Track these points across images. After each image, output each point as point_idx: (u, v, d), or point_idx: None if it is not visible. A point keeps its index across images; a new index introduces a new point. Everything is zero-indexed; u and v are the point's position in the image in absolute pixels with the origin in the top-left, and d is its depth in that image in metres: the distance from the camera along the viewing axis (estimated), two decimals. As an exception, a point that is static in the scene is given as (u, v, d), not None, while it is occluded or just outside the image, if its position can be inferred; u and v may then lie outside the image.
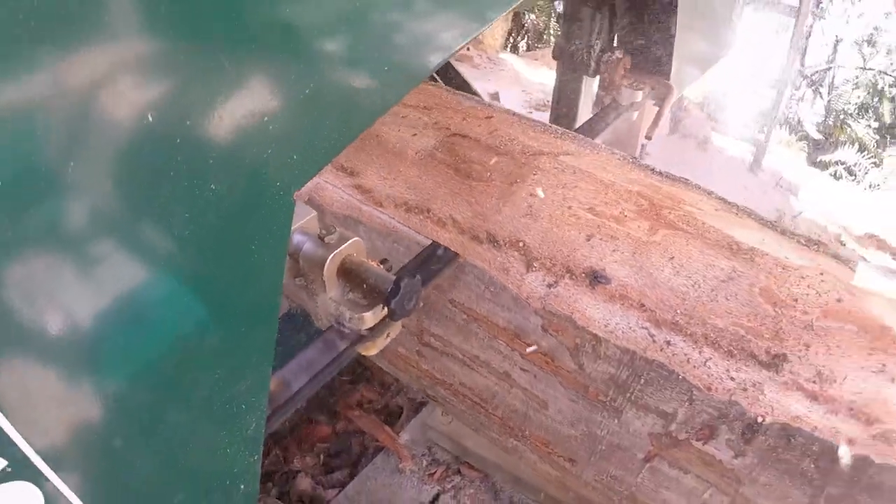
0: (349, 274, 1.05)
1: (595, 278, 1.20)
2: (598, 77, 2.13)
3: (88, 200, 0.55)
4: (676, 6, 1.88)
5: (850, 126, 5.27)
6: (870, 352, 1.18)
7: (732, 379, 1.12)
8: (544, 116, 2.36)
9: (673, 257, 1.21)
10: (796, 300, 1.19)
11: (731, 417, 1.11)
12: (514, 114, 1.57)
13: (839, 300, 1.22)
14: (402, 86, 0.84)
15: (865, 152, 4.91)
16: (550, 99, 4.15)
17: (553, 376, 1.23)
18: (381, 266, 1.09)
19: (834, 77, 5.95)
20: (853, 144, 4.98)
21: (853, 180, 4.91)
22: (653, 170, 1.41)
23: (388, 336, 1.15)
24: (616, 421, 1.20)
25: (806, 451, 1.11)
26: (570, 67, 2.18)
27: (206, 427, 0.79)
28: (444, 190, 1.38)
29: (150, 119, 0.54)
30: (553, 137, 1.46)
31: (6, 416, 0.56)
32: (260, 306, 0.78)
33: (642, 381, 1.14)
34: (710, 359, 1.13)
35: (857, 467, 1.11)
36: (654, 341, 1.14)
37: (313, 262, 1.03)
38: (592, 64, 2.08)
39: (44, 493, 0.62)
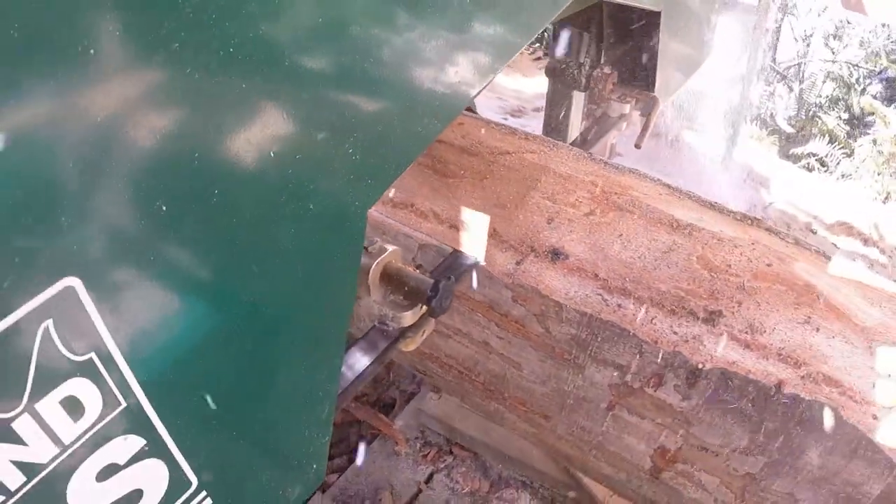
0: (391, 279, 1.18)
1: (555, 255, 1.38)
2: (587, 91, 2.25)
3: (232, 220, 0.67)
4: (659, 23, 1.98)
5: (821, 119, 5.49)
6: (796, 306, 1.37)
7: (675, 333, 1.30)
8: (518, 122, 2.55)
9: (621, 234, 1.40)
10: (729, 266, 1.38)
11: (676, 366, 1.29)
12: (482, 119, 1.76)
13: (769, 265, 1.41)
14: (449, 114, 0.91)
15: (836, 143, 5.12)
16: (525, 105, 4.36)
17: (524, 340, 1.41)
18: (418, 271, 1.23)
19: (804, 71, 6.19)
20: (824, 136, 5.19)
21: (826, 171, 5.12)
22: (605, 162, 1.60)
23: (424, 333, 1.28)
24: (580, 376, 1.38)
25: (743, 392, 1.29)
26: (561, 83, 2.29)
27: (293, 411, 0.91)
28: (426, 188, 1.57)
29: (273, 154, 0.67)
30: (517, 139, 1.65)
31: (149, 401, 0.67)
32: (339, 306, 0.89)
33: (599, 339, 1.33)
34: (656, 317, 1.32)
35: (790, 404, 1.29)
36: (607, 305, 1.33)
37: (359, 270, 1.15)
38: (582, 80, 2.17)
39: (169, 470, 0.73)
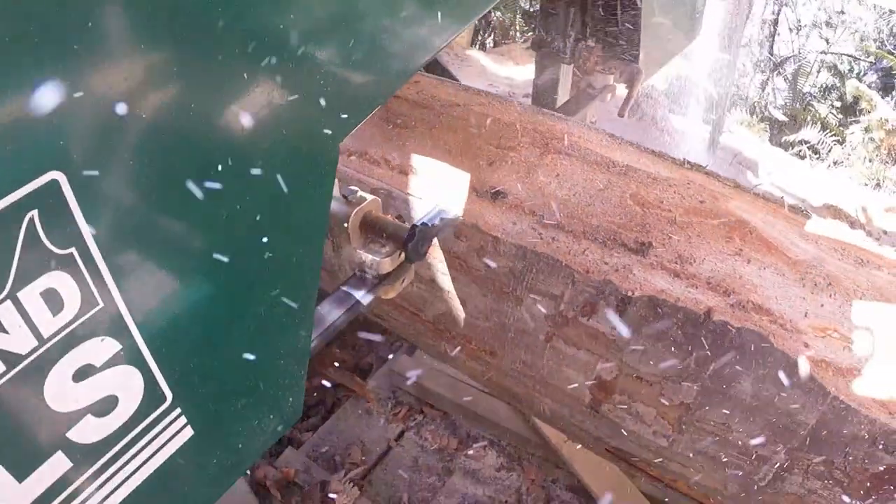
0: (370, 226, 1.23)
1: (495, 195, 1.44)
2: (573, 64, 2.32)
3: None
4: (641, 2, 2.03)
5: (813, 107, 5.51)
6: (727, 239, 1.42)
7: (606, 263, 1.35)
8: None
9: (558, 175, 1.46)
10: (662, 202, 1.43)
11: (607, 293, 1.34)
12: (437, 79, 1.83)
13: (702, 202, 1.46)
14: (421, 55, 0.97)
15: (828, 131, 5.13)
16: (515, 91, 4.42)
17: (466, 275, 1.46)
18: (397, 220, 1.28)
19: (800, 60, 6.22)
20: (816, 124, 5.21)
21: (817, 158, 5.13)
22: (552, 114, 1.66)
23: (403, 281, 1.32)
24: (519, 308, 1.43)
25: (672, 319, 1.34)
26: (548, 56, 2.35)
27: (269, 336, 0.92)
28: (378, 137, 1.64)
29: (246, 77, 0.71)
30: (468, 94, 1.71)
31: (125, 305, 0.69)
32: (313, 231, 0.92)
33: (534, 270, 1.38)
34: (588, 249, 1.37)
35: (719, 332, 1.33)
36: (541, 238, 1.38)
37: (338, 219, 1.21)
38: (568, 52, 2.25)
39: (143, 380, 0.74)
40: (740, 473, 1.43)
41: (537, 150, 1.51)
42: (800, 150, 5.18)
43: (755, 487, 1.45)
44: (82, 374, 0.68)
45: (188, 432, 0.84)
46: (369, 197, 1.24)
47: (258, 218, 0.80)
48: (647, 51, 2.23)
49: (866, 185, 4.77)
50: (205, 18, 0.64)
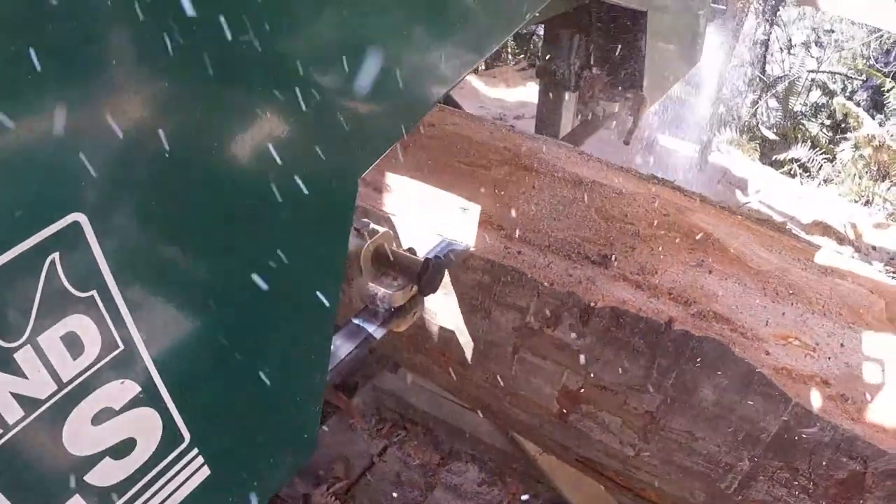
0: (383, 259, 1.23)
1: (464, 210, 1.49)
2: (578, 92, 2.33)
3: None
4: (645, 26, 2.03)
5: (804, 125, 5.57)
6: (690, 251, 1.46)
7: (570, 275, 1.39)
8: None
9: (524, 191, 1.50)
10: (626, 215, 1.48)
11: (570, 305, 1.38)
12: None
13: (666, 215, 1.50)
14: (434, 96, 0.98)
15: (818, 149, 5.19)
16: (506, 113, 4.50)
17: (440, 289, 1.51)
18: (409, 252, 1.28)
19: (791, 80, 6.30)
20: (807, 142, 5.27)
21: (808, 176, 5.18)
22: (522, 133, 1.71)
23: (415, 314, 1.31)
24: (486, 321, 1.47)
25: (634, 329, 1.37)
26: (552, 84, 2.37)
27: (285, 375, 0.91)
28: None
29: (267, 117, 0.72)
30: (443, 113, 1.77)
31: (146, 348, 0.68)
32: (331, 270, 0.91)
33: (501, 283, 1.42)
34: (552, 262, 1.41)
35: (680, 341, 1.37)
36: (508, 252, 1.42)
37: (351, 251, 1.20)
38: (572, 80, 2.26)
39: (162, 421, 0.74)
40: (707, 481, 1.45)
41: (507, 167, 1.55)
42: (790, 169, 5.23)
43: (722, 495, 1.47)
44: (101, 417, 0.67)
45: (205, 472, 0.83)
46: (381, 230, 1.24)
47: (277, 256, 0.80)
48: (650, 77, 2.24)
49: (856, 201, 4.81)
50: (228, 59, 0.64)
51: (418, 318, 1.36)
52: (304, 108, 0.74)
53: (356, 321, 1.29)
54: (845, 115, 4.63)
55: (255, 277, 0.79)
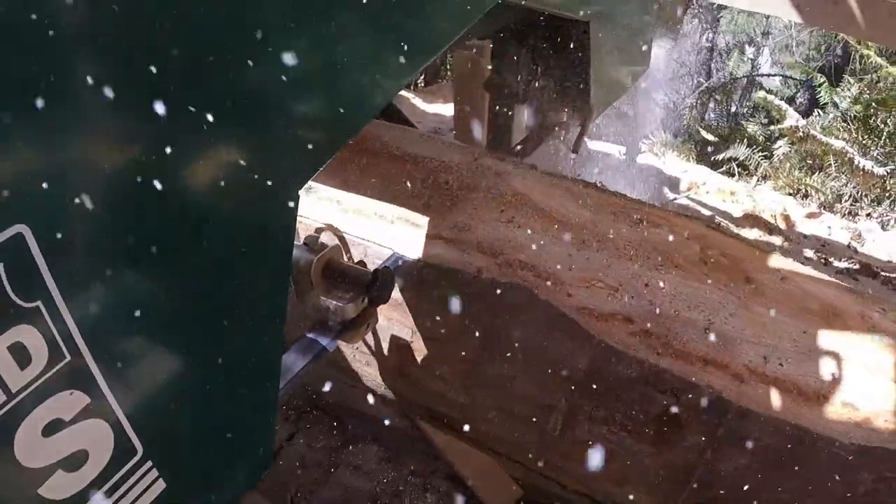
0: (333, 273, 1.26)
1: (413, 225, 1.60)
2: (526, 103, 2.38)
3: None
4: (588, 37, 2.07)
5: (742, 125, 5.73)
6: (503, 209, 1.57)
7: (393, 237, 1.50)
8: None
9: (363, 171, 1.62)
10: (447, 183, 1.59)
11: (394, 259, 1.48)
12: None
13: (485, 181, 1.62)
14: (366, 115, 1.02)
15: (756, 147, 5.33)
16: (442, 127, 4.64)
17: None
18: (359, 265, 1.33)
19: (731, 82, 6.51)
20: (744, 142, 5.42)
21: (746, 174, 5.31)
22: (382, 123, 1.83)
23: (368, 326, 1.36)
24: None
25: (450, 281, 1.46)
26: (502, 96, 2.41)
27: (236, 387, 0.92)
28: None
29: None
30: (384, 129, 1.83)
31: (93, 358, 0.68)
32: (275, 283, 0.92)
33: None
34: (377, 224, 1.52)
35: (488, 289, 1.46)
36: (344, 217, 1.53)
37: (301, 266, 1.23)
38: (521, 92, 2.32)
39: (113, 433, 0.74)
40: (533, 424, 1.53)
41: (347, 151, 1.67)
42: (729, 168, 5.36)
43: (550, 437, 1.54)
44: (52, 428, 0.67)
45: (160, 485, 0.83)
46: (331, 244, 1.27)
47: (220, 268, 0.81)
48: (597, 87, 2.29)
49: (790, 194, 4.93)
50: (165, 77, 0.66)
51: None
52: (240, 122, 0.76)
53: (310, 335, 1.31)
54: (768, 109, 4.78)
55: (199, 289, 0.79)
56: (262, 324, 0.92)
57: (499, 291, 1.44)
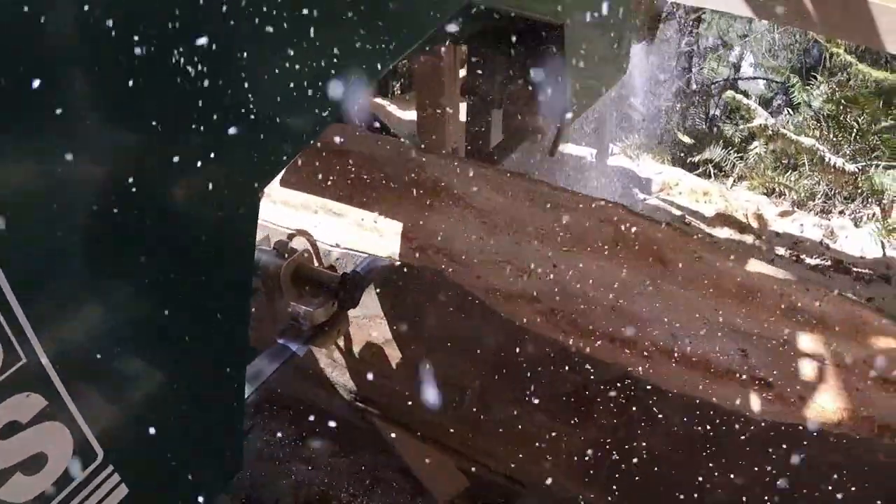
0: (303, 278, 1.26)
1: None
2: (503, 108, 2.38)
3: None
4: (563, 45, 2.07)
5: (718, 127, 5.76)
6: (418, 198, 1.60)
7: (315, 226, 1.53)
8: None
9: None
10: (372, 175, 1.63)
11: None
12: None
13: (412, 173, 1.64)
14: (325, 121, 1.00)
15: (731, 148, 5.36)
16: (415, 132, 4.69)
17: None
18: (329, 270, 1.33)
19: (706, 86, 6.56)
20: (719, 143, 5.45)
21: (723, 175, 5.34)
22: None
23: (339, 331, 1.37)
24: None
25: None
26: (478, 101, 2.41)
27: (198, 391, 0.91)
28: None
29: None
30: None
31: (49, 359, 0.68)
32: (239, 283, 0.92)
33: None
34: (301, 214, 1.55)
35: (401, 273, 1.48)
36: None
37: (271, 271, 1.24)
38: (496, 96, 2.31)
39: (72, 435, 0.73)
40: (451, 406, 1.55)
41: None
42: (706, 169, 5.39)
43: (470, 418, 1.56)
44: (9, 430, 0.67)
45: (123, 490, 0.82)
46: (299, 249, 1.29)
47: (181, 271, 0.80)
48: (574, 91, 2.29)
49: (765, 193, 4.95)
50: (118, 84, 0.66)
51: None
52: (199, 125, 0.76)
53: (280, 341, 1.32)
54: (737, 108, 4.81)
55: (159, 292, 0.79)
56: (224, 328, 0.91)
57: (413, 275, 1.47)
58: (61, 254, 0.67)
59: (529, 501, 1.95)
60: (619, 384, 1.42)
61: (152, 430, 0.84)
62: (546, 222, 1.59)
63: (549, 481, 1.56)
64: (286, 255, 1.28)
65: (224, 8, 0.75)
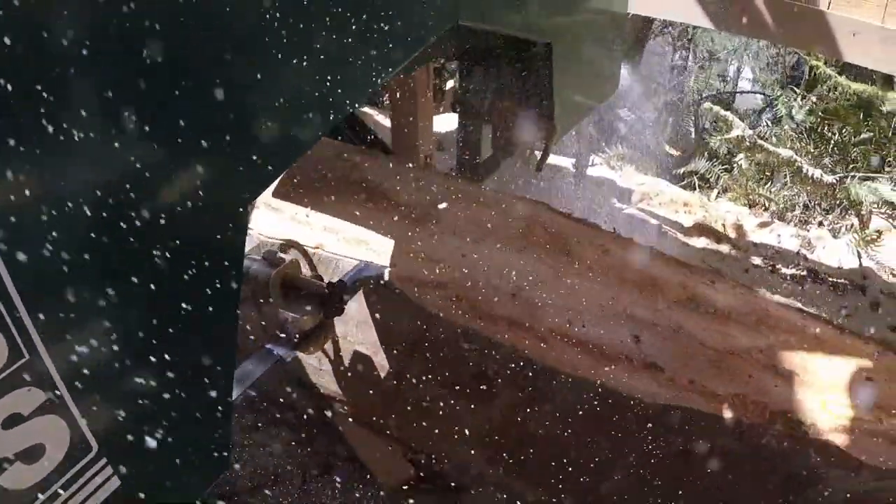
0: (290, 286, 1.30)
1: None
2: (491, 122, 2.45)
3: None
4: (552, 61, 2.09)
5: (704, 139, 5.85)
6: (353, 195, 1.74)
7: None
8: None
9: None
10: (312, 174, 1.77)
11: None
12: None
13: (351, 175, 1.79)
14: (325, 125, 1.05)
15: (716, 160, 5.44)
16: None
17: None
18: (316, 279, 1.40)
19: (694, 99, 6.66)
20: (704, 155, 5.53)
21: (707, 187, 5.42)
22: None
23: (326, 338, 1.43)
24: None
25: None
26: (467, 115, 2.49)
27: (189, 390, 0.93)
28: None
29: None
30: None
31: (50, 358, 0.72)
32: (228, 284, 0.93)
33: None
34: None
35: (325, 261, 1.63)
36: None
37: (260, 279, 1.29)
38: (485, 111, 2.36)
39: (69, 429, 0.76)
40: (379, 386, 1.68)
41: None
42: (690, 181, 5.48)
43: (385, 399, 1.69)
44: (11, 421, 0.70)
45: (115, 482, 0.85)
46: (288, 258, 1.34)
47: (172, 275, 0.83)
48: (562, 107, 2.32)
49: (746, 205, 5.03)
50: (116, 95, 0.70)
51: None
52: (192, 138, 0.79)
53: (268, 346, 1.38)
54: (715, 120, 4.91)
55: (152, 295, 0.82)
56: (214, 331, 0.95)
57: (331, 266, 1.61)
58: (61, 262, 0.71)
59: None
60: (514, 365, 1.53)
61: (144, 428, 0.89)
62: (461, 217, 1.73)
63: (462, 457, 1.68)
64: (275, 264, 1.34)
65: (215, 24, 0.80)
